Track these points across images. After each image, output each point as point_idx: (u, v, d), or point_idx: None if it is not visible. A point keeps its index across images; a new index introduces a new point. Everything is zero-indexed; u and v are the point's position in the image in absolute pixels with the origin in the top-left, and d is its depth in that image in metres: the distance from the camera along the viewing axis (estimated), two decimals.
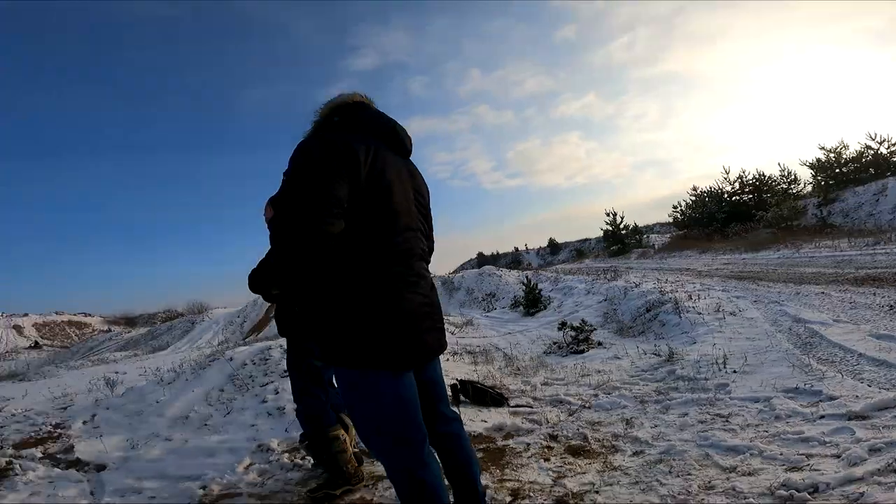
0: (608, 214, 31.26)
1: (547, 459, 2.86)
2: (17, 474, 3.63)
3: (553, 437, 3.22)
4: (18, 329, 60.70)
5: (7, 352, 50.82)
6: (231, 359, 6.14)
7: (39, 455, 4.24)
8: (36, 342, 54.88)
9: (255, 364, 5.91)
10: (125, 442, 4.48)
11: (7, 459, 3.91)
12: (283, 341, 6.84)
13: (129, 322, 68.96)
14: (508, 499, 2.35)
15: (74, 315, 70.02)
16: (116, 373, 11.46)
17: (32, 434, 4.92)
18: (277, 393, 4.99)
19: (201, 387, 5.51)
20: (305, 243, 1.32)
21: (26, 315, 65.62)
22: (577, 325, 7.38)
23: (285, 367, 5.61)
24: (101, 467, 3.85)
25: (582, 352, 6.83)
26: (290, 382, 2.99)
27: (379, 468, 2.96)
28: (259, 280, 1.98)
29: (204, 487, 3.06)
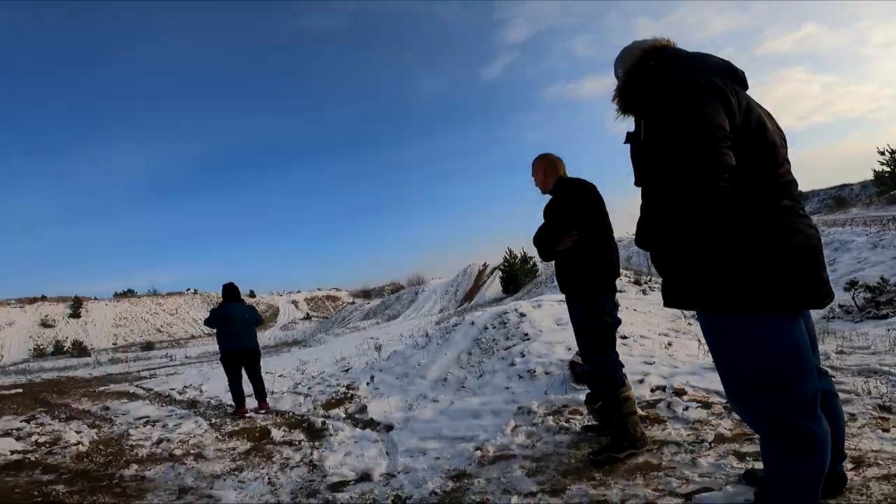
0: (883, 153, 25.06)
1: (886, 430, 2.52)
2: (330, 434, 4.23)
3: (885, 408, 2.84)
4: (295, 304, 79.33)
5: (289, 322, 67.37)
6: (473, 323, 6.64)
7: (343, 415, 5.00)
8: (307, 314, 70.16)
9: (495, 328, 6.28)
10: (402, 402, 5.04)
11: (321, 420, 4.72)
12: (520, 304, 7.15)
13: (366, 294, 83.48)
14: (850, 465, 2.08)
15: (329, 290, 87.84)
16: (372, 338, 13.98)
17: (333, 395, 5.85)
18: (524, 356, 5.14)
19: (451, 350, 6.15)
20: (708, 179, 1.23)
21: (299, 292, 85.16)
22: (875, 284, 5.73)
23: (525, 331, 5.90)
24: (389, 427, 4.30)
25: (885, 316, 5.31)
26: (576, 341, 2.89)
27: (659, 433, 2.84)
28: (545, 240, 2.42)
29: (479, 448, 3.15)
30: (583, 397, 3.34)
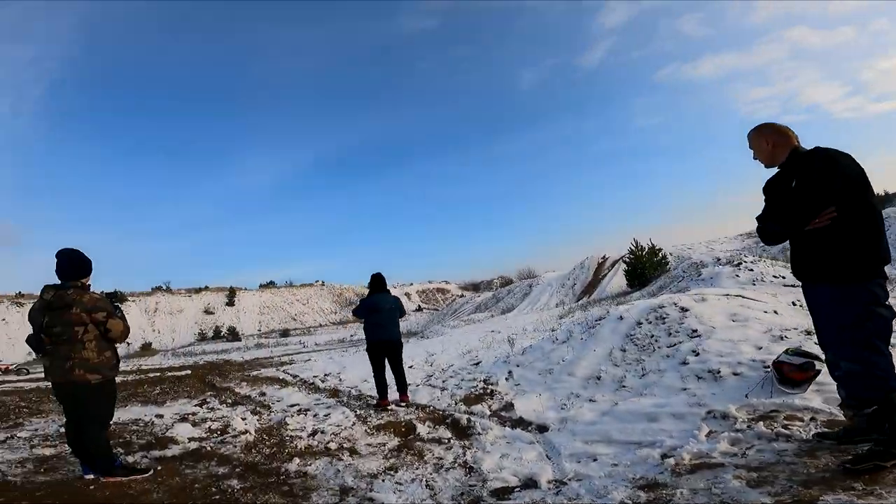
0: None
1: None
2: (479, 433, 4.01)
3: None
4: (408, 296, 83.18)
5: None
6: (621, 318, 5.94)
7: (487, 412, 4.74)
8: (419, 306, 73.03)
9: (650, 323, 5.50)
10: (552, 401, 4.63)
11: (466, 417, 4.46)
12: (679, 298, 6.22)
13: (475, 287, 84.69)
14: None
15: (439, 283, 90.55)
16: (493, 331, 13.75)
17: (471, 390, 5.66)
18: (698, 354, 4.38)
19: (599, 346, 5.51)
20: None
21: (412, 284, 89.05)
22: None
23: (692, 327, 4.93)
24: (542, 428, 4.04)
25: None
26: (821, 336, 2.48)
27: None
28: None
29: (668, 456, 2.80)
30: (797, 402, 3.18)
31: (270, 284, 79.32)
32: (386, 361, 5.60)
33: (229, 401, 6.46)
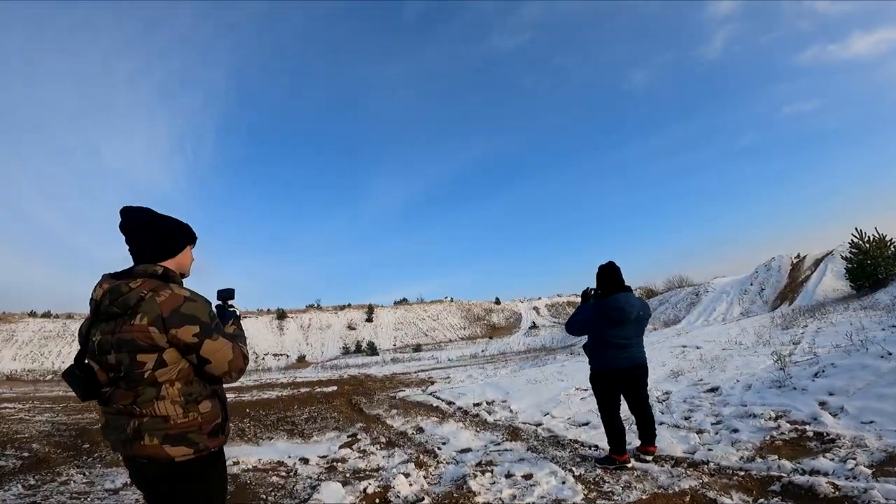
0: None
1: None
2: None
3: None
4: (536, 310, 79.69)
5: (530, 328, 67.55)
6: None
7: (845, 471, 2.62)
8: (533, 323, 69.04)
9: None
10: None
11: (807, 479, 2.48)
12: None
13: None
14: None
15: (570, 296, 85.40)
16: (682, 347, 10.81)
17: (766, 433, 3.62)
18: None
19: None
20: None
21: (539, 298, 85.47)
22: None
23: None
24: None
25: None
26: None
27: None
28: None
29: None
30: None
31: (403, 301, 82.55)
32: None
33: (382, 439, 5.05)
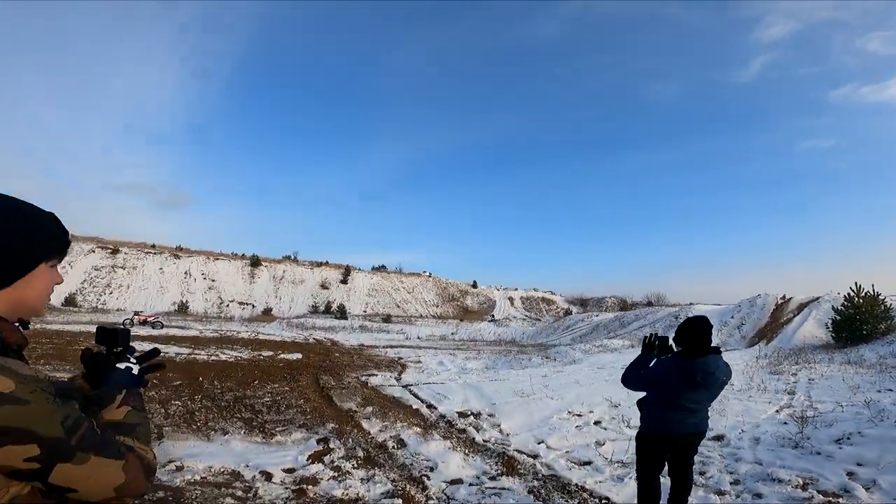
0: None
1: None
2: None
3: None
4: (511, 300, 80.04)
5: (503, 318, 67.80)
6: None
7: None
8: (490, 317, 69.21)
9: None
10: None
11: None
12: None
13: (583, 303, 78.74)
14: None
15: (545, 293, 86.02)
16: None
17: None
18: None
19: None
20: None
21: (516, 289, 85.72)
22: None
23: None
24: None
25: None
26: None
27: None
28: None
29: None
30: None
31: (382, 268, 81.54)
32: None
33: (360, 453, 4.31)
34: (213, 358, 11.46)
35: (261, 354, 13.10)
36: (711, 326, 2.76)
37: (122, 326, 1.00)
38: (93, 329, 19.50)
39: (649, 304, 42.36)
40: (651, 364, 2.89)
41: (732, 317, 22.33)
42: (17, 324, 0.82)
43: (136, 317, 24.51)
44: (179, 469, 3.57)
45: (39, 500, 0.72)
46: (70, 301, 45.84)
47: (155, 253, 64.08)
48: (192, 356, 11.60)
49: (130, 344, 1.05)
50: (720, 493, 3.79)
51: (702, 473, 4.17)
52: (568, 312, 63.70)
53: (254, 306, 58.56)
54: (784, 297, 23.14)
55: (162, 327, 23.78)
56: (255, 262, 68.65)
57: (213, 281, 61.96)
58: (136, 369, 1.01)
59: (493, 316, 53.92)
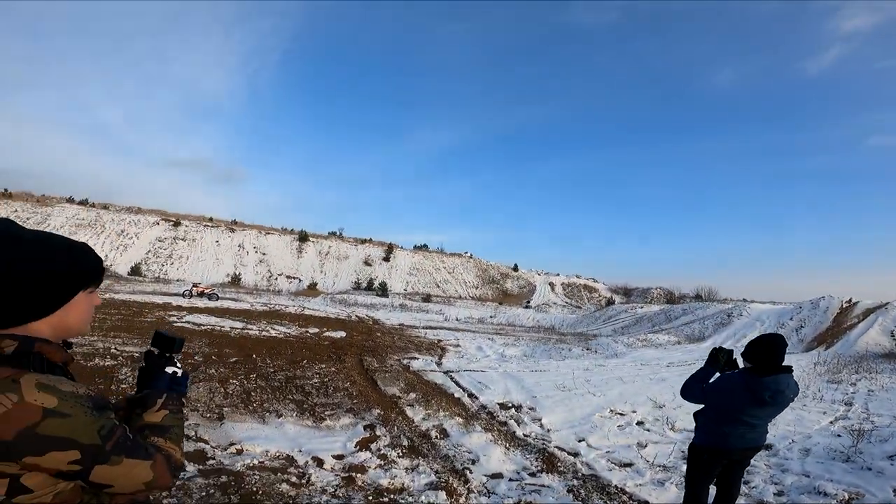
0: None
1: None
2: None
3: None
4: (552, 286, 79.02)
5: (542, 304, 67.10)
6: None
7: None
8: (525, 303, 68.16)
9: None
10: None
11: None
12: None
13: (626, 293, 76.66)
14: None
15: (587, 279, 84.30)
16: None
17: None
18: None
19: None
20: None
21: (557, 275, 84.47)
22: None
23: None
24: None
25: None
26: None
27: None
28: None
29: None
30: None
31: (423, 247, 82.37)
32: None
33: (404, 441, 4.49)
34: (264, 333, 12.10)
35: (307, 331, 13.70)
36: (787, 345, 2.65)
37: (177, 335, 1.14)
38: (157, 300, 20.77)
39: (698, 297, 40.39)
40: (713, 378, 2.82)
41: (791, 318, 21.08)
42: (61, 344, 0.95)
43: (195, 288, 26.06)
44: (239, 452, 3.85)
45: (80, 495, 0.87)
46: (135, 270, 49.32)
47: (212, 226, 67.58)
48: (245, 331, 12.29)
49: (181, 351, 1.16)
50: None
51: (746, 483, 4.07)
52: (610, 302, 62.18)
53: (300, 280, 60.86)
54: (850, 300, 21.56)
55: (217, 299, 25.20)
56: (303, 237, 71.08)
57: (264, 255, 64.76)
58: (181, 373, 1.14)
59: (528, 302, 53.04)
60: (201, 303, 21.78)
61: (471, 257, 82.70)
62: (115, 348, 8.05)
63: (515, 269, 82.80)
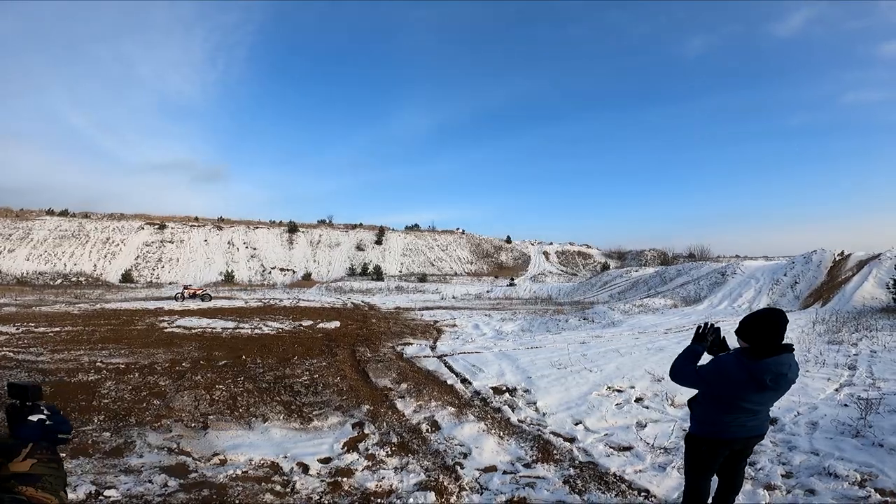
0: None
1: None
2: None
3: None
4: (546, 255, 79.08)
5: (538, 273, 67.27)
6: None
7: None
8: (510, 280, 68.37)
9: None
10: None
11: None
12: None
13: (620, 257, 76.94)
14: None
15: (580, 246, 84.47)
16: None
17: None
18: None
19: None
20: None
21: (551, 244, 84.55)
22: None
23: None
24: None
25: None
26: None
27: None
28: None
29: None
30: None
31: (415, 227, 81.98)
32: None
33: (394, 438, 4.35)
34: (256, 331, 11.92)
35: (301, 324, 13.54)
36: (787, 321, 2.43)
37: (32, 382, 1.22)
38: (149, 306, 20.48)
39: (692, 257, 40.49)
40: (704, 359, 2.63)
41: (786, 274, 21.05)
42: None
43: (187, 290, 25.75)
44: (223, 463, 3.70)
45: None
46: (126, 277, 48.71)
47: (199, 225, 66.65)
48: (238, 330, 12.10)
49: (41, 398, 1.12)
50: (770, 487, 3.58)
51: (752, 464, 3.91)
52: (605, 267, 62.47)
53: (294, 272, 60.50)
54: (842, 252, 21.54)
55: (210, 299, 24.92)
56: (293, 228, 70.38)
57: (255, 249, 64.15)
58: (49, 422, 1.08)
59: (512, 280, 52.69)
60: (194, 304, 21.53)
61: (463, 233, 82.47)
62: (101, 361, 7.85)
63: (508, 241, 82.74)
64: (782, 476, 3.80)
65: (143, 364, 7.54)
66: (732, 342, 2.72)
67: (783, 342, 2.40)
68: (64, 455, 3.81)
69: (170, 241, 60.40)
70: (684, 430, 4.70)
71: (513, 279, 54.06)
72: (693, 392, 2.74)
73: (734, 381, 2.39)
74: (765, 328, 2.37)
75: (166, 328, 12.45)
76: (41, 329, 11.83)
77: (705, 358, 2.65)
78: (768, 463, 4.00)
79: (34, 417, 1.07)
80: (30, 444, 1.02)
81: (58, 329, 11.87)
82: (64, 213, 63.15)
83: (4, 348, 8.99)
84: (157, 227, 62.66)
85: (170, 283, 46.58)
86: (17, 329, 11.79)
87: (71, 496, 3.07)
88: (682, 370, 2.60)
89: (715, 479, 2.84)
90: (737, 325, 2.52)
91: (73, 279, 46.35)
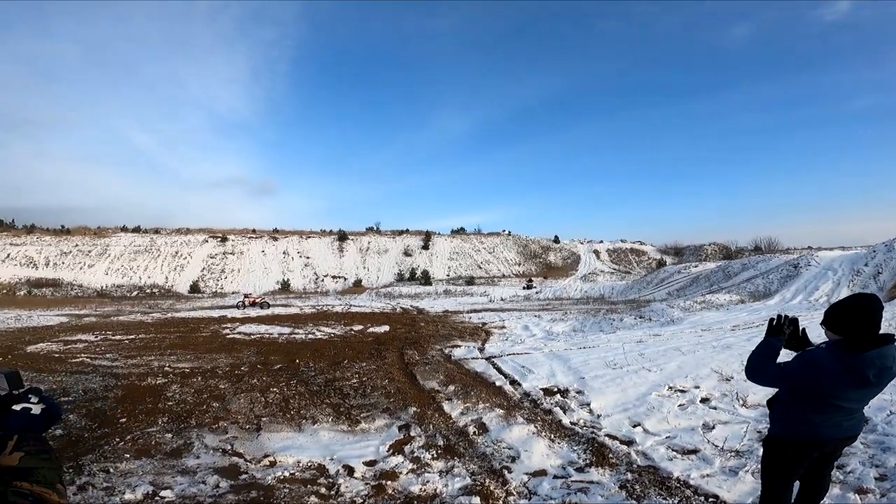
0: None
1: None
2: None
3: None
4: (597, 253, 76.73)
5: (589, 273, 65.24)
6: None
7: None
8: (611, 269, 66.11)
9: None
10: None
11: None
12: None
13: (677, 252, 73.21)
14: None
15: (633, 243, 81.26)
16: None
17: None
18: None
19: None
20: None
21: (601, 242, 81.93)
22: None
23: None
24: None
25: None
26: None
27: None
28: None
29: None
30: None
31: (461, 231, 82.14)
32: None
33: (440, 441, 4.27)
34: (310, 336, 12.28)
35: (352, 329, 13.82)
36: (882, 307, 2.11)
37: (8, 369, 1.05)
38: (214, 314, 21.71)
39: (758, 250, 37.51)
40: (788, 355, 2.33)
41: (866, 264, 19.09)
42: None
43: (247, 299, 27.08)
44: (273, 465, 3.77)
45: None
46: (194, 288, 52.12)
47: (256, 237, 70.24)
48: (292, 336, 12.53)
49: (24, 384, 1.06)
50: (862, 491, 3.20)
51: (840, 467, 3.52)
52: (661, 263, 59.62)
53: (345, 279, 62.23)
54: None
55: (268, 307, 26.06)
56: (342, 236, 72.53)
57: (308, 258, 66.66)
58: (36, 409, 1.01)
59: (529, 282, 49.14)
60: (253, 312, 22.57)
61: (509, 234, 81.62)
62: (169, 366, 8.33)
63: (556, 240, 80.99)
64: (875, 479, 3.39)
65: (205, 368, 7.92)
66: (811, 336, 2.41)
67: (881, 332, 2.08)
68: (54, 440, 4.02)
69: (231, 253, 63.98)
70: (759, 431, 4.31)
71: (530, 281, 51.02)
72: (772, 391, 2.46)
73: (830, 378, 2.08)
74: (860, 316, 2.05)
75: (228, 335, 13.09)
76: (117, 337, 12.80)
77: (784, 354, 2.35)
78: (859, 465, 3.59)
79: (18, 407, 1.01)
80: (14, 436, 0.95)
81: (132, 336, 12.79)
82: (137, 230, 68.55)
83: (82, 354, 9.77)
84: (219, 239, 66.61)
85: (232, 293, 49.29)
86: (96, 337, 12.82)
87: (129, 496, 3.21)
88: (762, 367, 2.30)
89: (796, 484, 2.53)
90: (822, 317, 2.22)
91: (148, 290, 50.14)
